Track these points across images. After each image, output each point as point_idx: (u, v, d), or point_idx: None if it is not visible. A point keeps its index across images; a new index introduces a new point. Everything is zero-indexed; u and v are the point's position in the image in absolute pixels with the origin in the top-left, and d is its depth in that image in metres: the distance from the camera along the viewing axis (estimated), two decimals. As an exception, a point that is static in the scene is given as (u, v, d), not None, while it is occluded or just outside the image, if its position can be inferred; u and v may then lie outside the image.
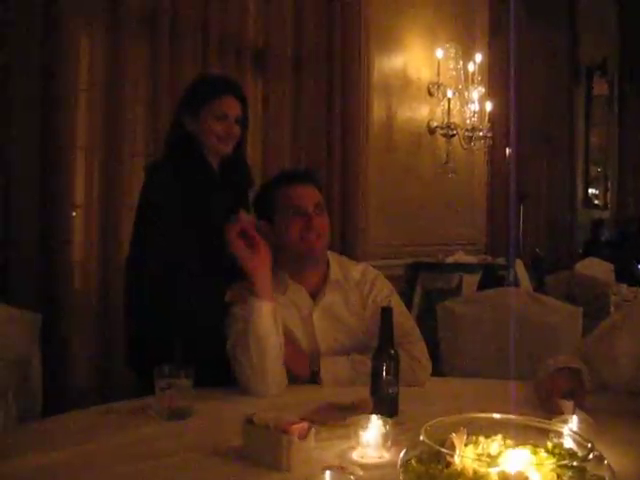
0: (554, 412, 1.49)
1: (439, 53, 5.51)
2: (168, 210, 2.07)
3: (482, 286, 4.67)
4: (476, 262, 5.37)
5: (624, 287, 4.96)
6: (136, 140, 3.33)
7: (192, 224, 2.08)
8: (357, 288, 2.08)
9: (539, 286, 5.37)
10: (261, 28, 4.07)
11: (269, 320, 1.85)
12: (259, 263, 1.89)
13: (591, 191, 9.15)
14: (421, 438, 1.04)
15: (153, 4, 3.36)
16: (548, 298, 2.69)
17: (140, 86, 3.38)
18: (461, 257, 5.43)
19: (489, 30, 6.32)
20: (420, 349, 2.01)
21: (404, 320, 2.03)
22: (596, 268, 5.79)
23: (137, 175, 2.25)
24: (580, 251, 7.88)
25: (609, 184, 9.61)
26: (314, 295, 2.04)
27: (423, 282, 5.07)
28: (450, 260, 5.33)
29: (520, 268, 5.46)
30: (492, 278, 4.80)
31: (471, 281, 4.92)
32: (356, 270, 2.12)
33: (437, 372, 2.28)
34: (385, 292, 2.09)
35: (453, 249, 5.59)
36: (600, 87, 9.14)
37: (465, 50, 5.82)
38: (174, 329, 2.05)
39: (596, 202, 9.30)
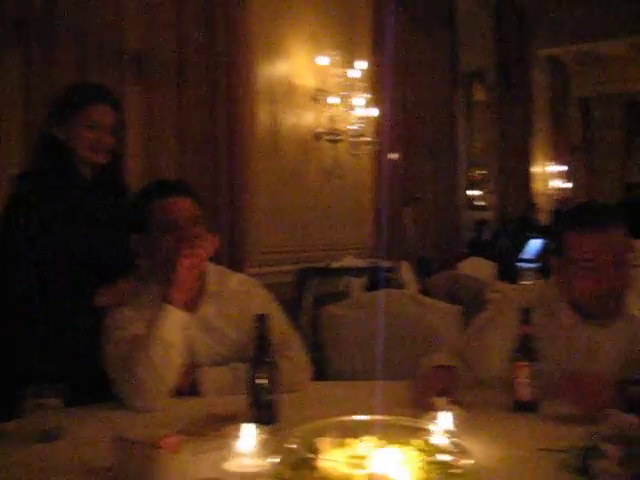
0: (429, 410, 1.53)
1: (323, 60, 5.57)
2: (32, 217, 2.01)
3: (369, 289, 4.74)
4: (363, 265, 5.44)
5: (504, 285, 5.14)
6: (9, 151, 3.19)
7: (59, 230, 2.04)
8: (235, 298, 2.04)
9: (425, 287, 5.51)
10: (142, 34, 3.98)
11: (179, 330, 1.80)
12: (186, 271, 1.85)
13: (474, 193, 9.51)
14: (286, 445, 1.05)
15: (23, 8, 3.22)
16: (428, 299, 2.76)
17: (12, 95, 3.23)
18: (349, 261, 5.50)
19: (372, 38, 6.43)
20: (300, 354, 2.01)
21: (283, 327, 2.02)
22: (478, 268, 6.02)
23: (11, 188, 2.16)
24: (465, 251, 8.15)
25: (491, 186, 10.02)
26: (190, 307, 1.98)
27: (312, 287, 5.10)
28: (336, 264, 5.39)
29: (406, 270, 5.59)
30: (379, 281, 4.88)
31: (359, 284, 4.98)
32: (233, 280, 2.09)
33: (322, 376, 2.30)
34: (264, 301, 2.07)
35: (342, 253, 5.66)
36: (480, 94, 9.52)
37: (349, 57, 5.89)
38: (41, 338, 1.98)
39: (479, 203, 9.66)
